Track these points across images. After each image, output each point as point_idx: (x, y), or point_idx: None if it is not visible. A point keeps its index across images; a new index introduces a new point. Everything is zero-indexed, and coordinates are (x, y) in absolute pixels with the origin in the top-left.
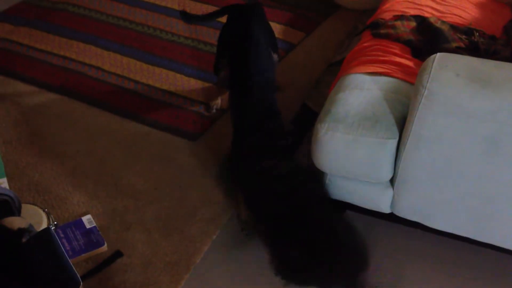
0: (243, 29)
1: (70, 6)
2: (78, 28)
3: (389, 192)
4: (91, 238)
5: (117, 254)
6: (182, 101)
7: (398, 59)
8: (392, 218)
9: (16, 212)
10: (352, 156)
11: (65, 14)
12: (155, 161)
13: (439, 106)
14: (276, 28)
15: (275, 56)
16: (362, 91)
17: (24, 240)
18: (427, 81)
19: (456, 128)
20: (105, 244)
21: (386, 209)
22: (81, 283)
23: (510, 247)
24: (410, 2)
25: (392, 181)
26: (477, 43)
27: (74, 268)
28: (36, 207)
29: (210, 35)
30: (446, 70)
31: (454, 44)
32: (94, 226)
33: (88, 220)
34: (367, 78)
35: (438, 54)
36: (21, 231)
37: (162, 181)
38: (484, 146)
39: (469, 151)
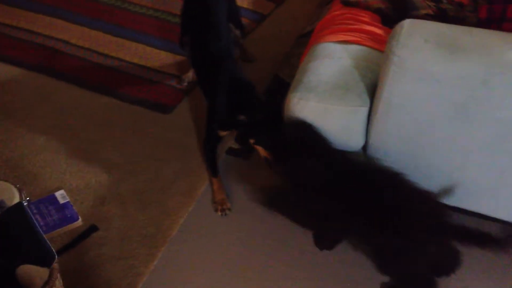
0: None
1: None
2: (45, 1)
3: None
4: (65, 213)
5: (92, 229)
6: (154, 74)
7: (368, 27)
8: None
9: None
10: (324, 125)
11: None
12: (128, 135)
13: (409, 72)
14: None
15: (237, 32)
16: (333, 60)
17: None
18: (397, 48)
19: (426, 94)
20: (80, 219)
21: None
22: (57, 257)
23: (477, 210)
24: None
25: (364, 148)
26: (446, 10)
27: (48, 242)
28: (7, 183)
29: (179, 7)
30: (415, 37)
31: (423, 11)
32: (68, 201)
33: (61, 195)
34: (338, 46)
35: (407, 20)
36: None
37: (136, 154)
38: (454, 111)
39: (439, 117)
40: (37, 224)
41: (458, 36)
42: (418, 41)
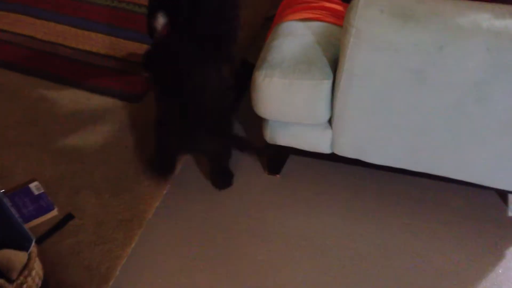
0: None
1: None
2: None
3: (328, 132)
4: (41, 204)
5: (68, 217)
6: (121, 64)
7: (328, 5)
8: (333, 158)
9: None
10: (290, 99)
11: None
12: (99, 124)
13: (367, 42)
14: None
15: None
16: (296, 37)
17: None
18: (354, 19)
19: (385, 63)
20: (55, 209)
21: (327, 150)
22: (34, 240)
23: (442, 173)
24: None
25: (330, 121)
26: None
27: (25, 227)
28: None
29: None
30: (371, 8)
31: None
32: (43, 192)
33: (35, 187)
34: (300, 24)
35: None
36: None
37: (107, 143)
38: (412, 78)
39: (398, 84)
40: (11, 211)
41: (412, 6)
42: (374, 12)
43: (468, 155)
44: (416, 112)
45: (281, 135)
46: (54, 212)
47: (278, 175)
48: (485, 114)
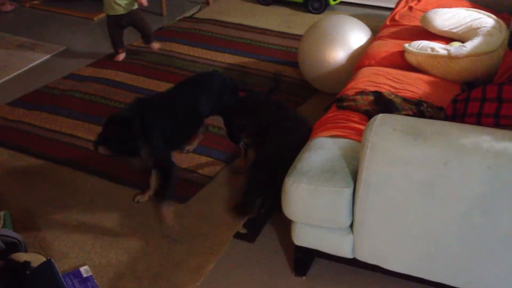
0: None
1: (77, 93)
2: (85, 111)
3: (350, 237)
4: (87, 285)
5: None
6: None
7: (356, 125)
8: (355, 262)
9: (22, 251)
10: (314, 204)
11: (73, 99)
12: (148, 220)
13: (381, 156)
14: None
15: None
16: (324, 150)
17: (28, 272)
18: (370, 135)
19: (397, 175)
20: None
21: (349, 254)
22: None
23: (457, 284)
24: (371, 81)
25: (352, 226)
26: (423, 112)
27: None
28: (40, 256)
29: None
30: (385, 126)
31: (403, 112)
32: (91, 275)
33: (85, 270)
34: (329, 140)
35: (381, 114)
36: (26, 264)
37: (153, 237)
38: (422, 189)
39: (410, 194)
40: (63, 280)
41: (421, 126)
42: (387, 129)
43: (480, 267)
44: (427, 222)
45: (307, 238)
46: None
47: (304, 277)
48: (492, 226)
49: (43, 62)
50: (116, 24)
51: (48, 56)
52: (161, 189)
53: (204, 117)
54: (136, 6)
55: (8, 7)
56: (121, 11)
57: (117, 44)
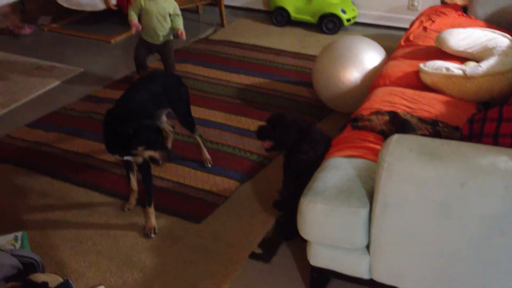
0: None
1: (94, 115)
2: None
3: (367, 258)
4: None
5: None
6: (188, 189)
7: (371, 145)
8: (372, 284)
9: (40, 272)
10: (330, 224)
11: (90, 121)
12: (162, 241)
13: (397, 176)
14: None
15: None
16: (339, 170)
17: None
18: (386, 155)
19: (413, 195)
20: None
21: (366, 275)
22: None
23: None
24: (386, 101)
25: (368, 247)
26: (439, 132)
27: None
28: (57, 276)
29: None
30: (401, 146)
31: (419, 132)
32: None
33: None
34: (344, 160)
35: (396, 134)
36: (44, 285)
37: (168, 258)
38: (438, 209)
39: (426, 214)
40: None
41: (437, 146)
42: (403, 150)
43: (498, 286)
44: (444, 242)
45: (323, 258)
46: None
47: None
48: (511, 247)
49: (60, 84)
50: (146, 49)
51: (66, 78)
52: (145, 192)
53: (158, 108)
54: (171, 37)
55: (27, 30)
56: (158, 41)
57: (139, 66)
